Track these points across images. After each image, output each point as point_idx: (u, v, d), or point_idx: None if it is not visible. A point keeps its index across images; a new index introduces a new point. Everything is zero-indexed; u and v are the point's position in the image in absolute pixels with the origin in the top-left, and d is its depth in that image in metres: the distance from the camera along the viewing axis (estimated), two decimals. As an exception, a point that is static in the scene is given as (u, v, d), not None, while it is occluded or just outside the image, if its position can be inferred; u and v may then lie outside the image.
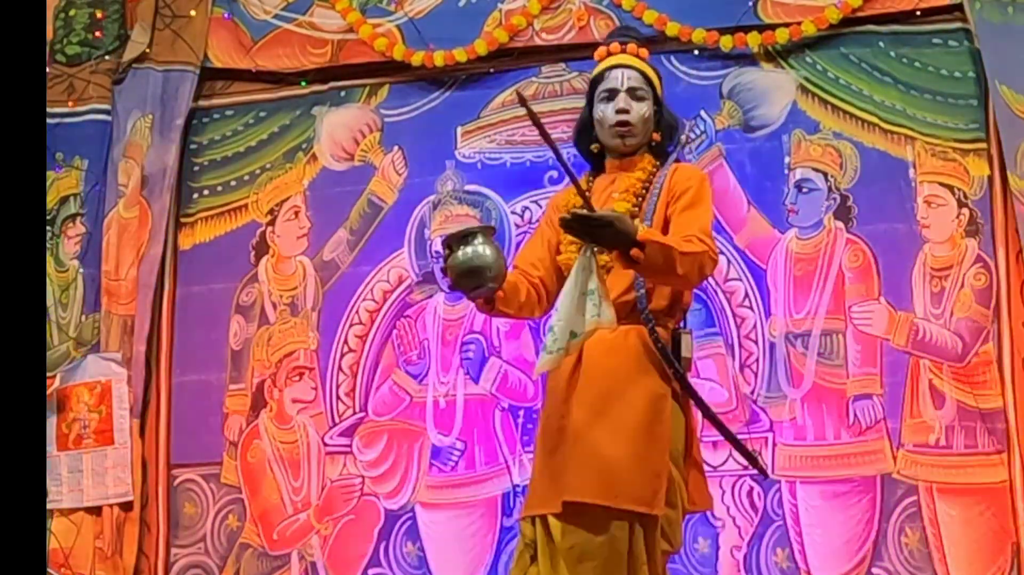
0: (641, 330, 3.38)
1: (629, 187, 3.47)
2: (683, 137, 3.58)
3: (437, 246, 5.53)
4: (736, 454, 3.84)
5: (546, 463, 3.37)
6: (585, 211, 3.16)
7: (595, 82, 3.59)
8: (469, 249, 3.23)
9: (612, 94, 3.52)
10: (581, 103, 3.62)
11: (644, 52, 3.62)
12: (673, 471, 3.34)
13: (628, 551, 3.26)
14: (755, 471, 3.70)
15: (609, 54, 3.60)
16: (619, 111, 3.50)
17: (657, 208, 3.41)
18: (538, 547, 3.32)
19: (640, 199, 3.44)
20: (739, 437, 3.66)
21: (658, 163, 3.53)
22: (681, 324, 3.48)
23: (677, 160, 3.60)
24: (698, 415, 3.52)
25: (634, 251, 3.13)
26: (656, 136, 3.55)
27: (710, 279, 5.04)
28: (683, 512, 3.41)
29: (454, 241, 3.27)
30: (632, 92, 3.51)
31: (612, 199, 3.46)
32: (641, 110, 3.51)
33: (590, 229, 3.14)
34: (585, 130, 3.61)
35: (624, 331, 3.36)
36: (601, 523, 3.24)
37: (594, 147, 3.59)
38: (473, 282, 3.25)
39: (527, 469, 5.27)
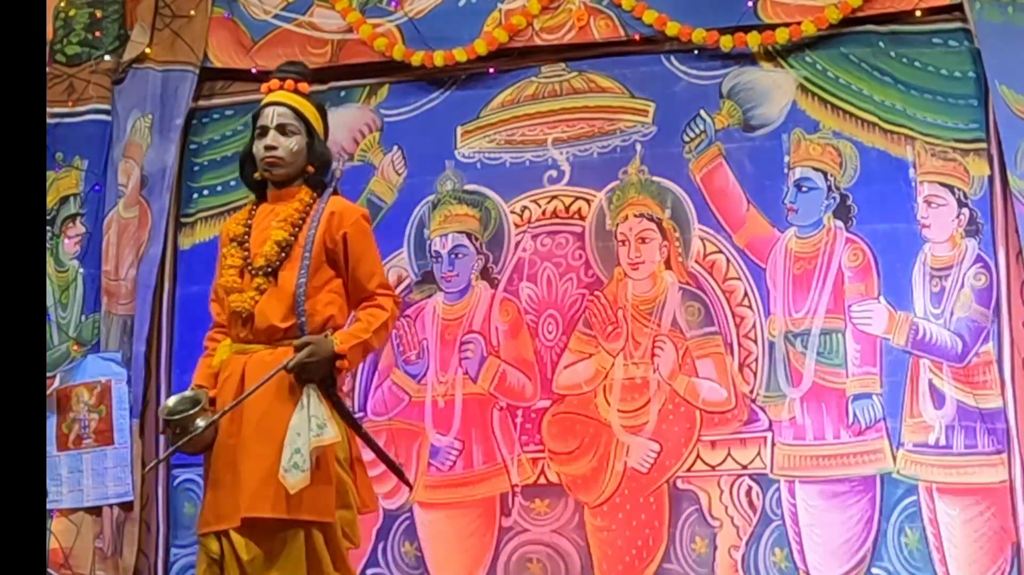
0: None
1: (287, 217, 3.76)
2: (336, 170, 3.98)
3: (436, 246, 5.55)
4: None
5: (221, 480, 3.66)
6: (289, 366, 3.57)
7: (255, 118, 3.88)
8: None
9: (264, 131, 3.80)
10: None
11: (304, 87, 3.90)
12: (344, 475, 3.68)
13: (308, 556, 3.57)
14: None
15: (269, 91, 3.88)
16: (267, 147, 3.78)
17: (315, 239, 3.72)
18: (225, 561, 3.61)
19: (297, 229, 3.74)
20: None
21: (316, 194, 3.83)
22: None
23: (335, 192, 3.89)
24: None
25: (341, 363, 3.60)
26: (310, 168, 3.84)
27: (710, 279, 5.04)
28: (358, 512, 3.74)
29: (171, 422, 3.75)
30: (281, 128, 3.79)
31: (271, 227, 3.76)
32: (290, 144, 3.79)
33: (302, 375, 3.58)
34: (249, 161, 3.88)
35: (284, 352, 3.66)
36: (279, 534, 3.56)
37: (257, 175, 3.86)
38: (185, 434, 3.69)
39: (525, 469, 5.29)
